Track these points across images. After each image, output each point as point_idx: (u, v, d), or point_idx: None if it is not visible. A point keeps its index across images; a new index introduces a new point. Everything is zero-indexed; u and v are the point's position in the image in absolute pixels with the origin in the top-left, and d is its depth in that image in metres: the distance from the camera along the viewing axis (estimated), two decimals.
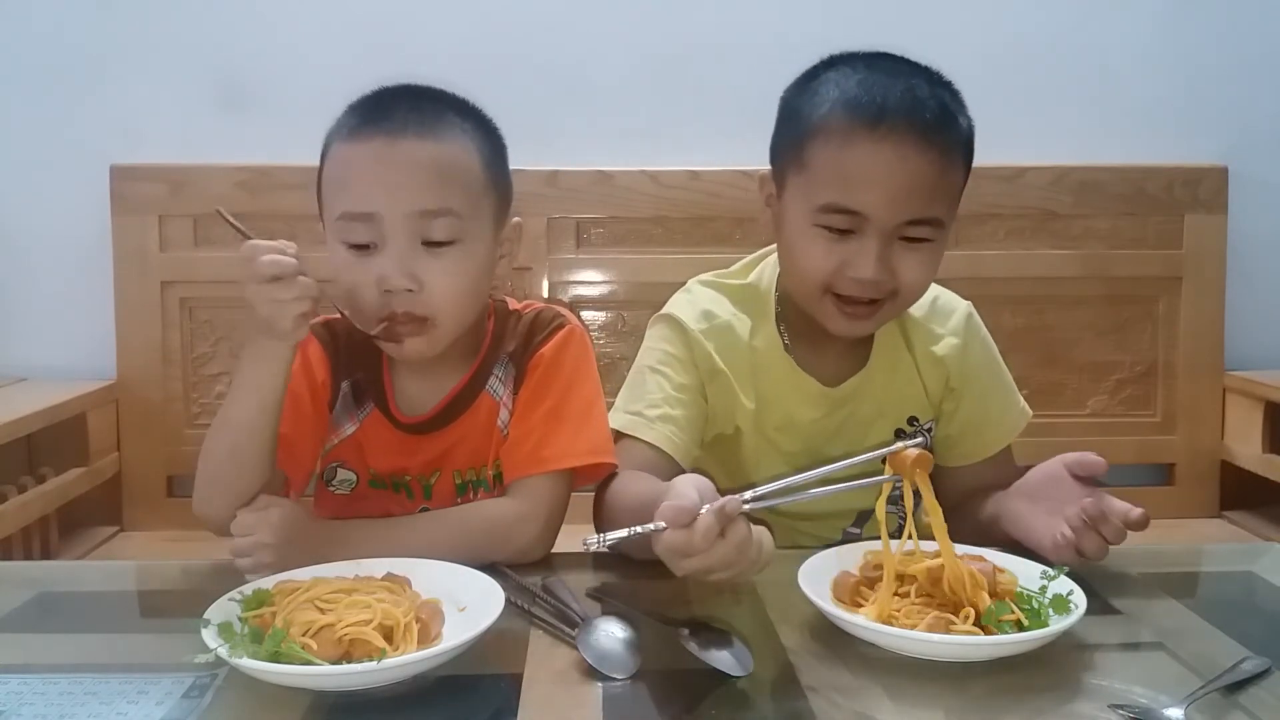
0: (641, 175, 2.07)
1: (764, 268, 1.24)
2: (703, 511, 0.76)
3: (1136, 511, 0.98)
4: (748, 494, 0.81)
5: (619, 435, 1.13)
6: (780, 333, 1.19)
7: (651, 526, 0.78)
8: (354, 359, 1.13)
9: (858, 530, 1.24)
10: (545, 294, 2.07)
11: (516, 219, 1.12)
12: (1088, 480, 1.04)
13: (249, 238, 0.93)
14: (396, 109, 1.03)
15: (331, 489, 1.15)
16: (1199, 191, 2.12)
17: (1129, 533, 0.99)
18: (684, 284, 1.28)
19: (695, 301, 1.22)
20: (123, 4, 2.07)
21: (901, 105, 1.03)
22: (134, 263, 2.03)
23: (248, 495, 0.98)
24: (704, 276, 1.27)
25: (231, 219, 0.96)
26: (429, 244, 1.01)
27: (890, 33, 2.12)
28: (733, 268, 1.28)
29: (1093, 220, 2.12)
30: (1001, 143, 2.14)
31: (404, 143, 1.00)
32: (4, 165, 2.08)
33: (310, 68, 2.08)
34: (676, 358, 1.17)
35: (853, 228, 1.05)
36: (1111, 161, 2.12)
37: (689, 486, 0.80)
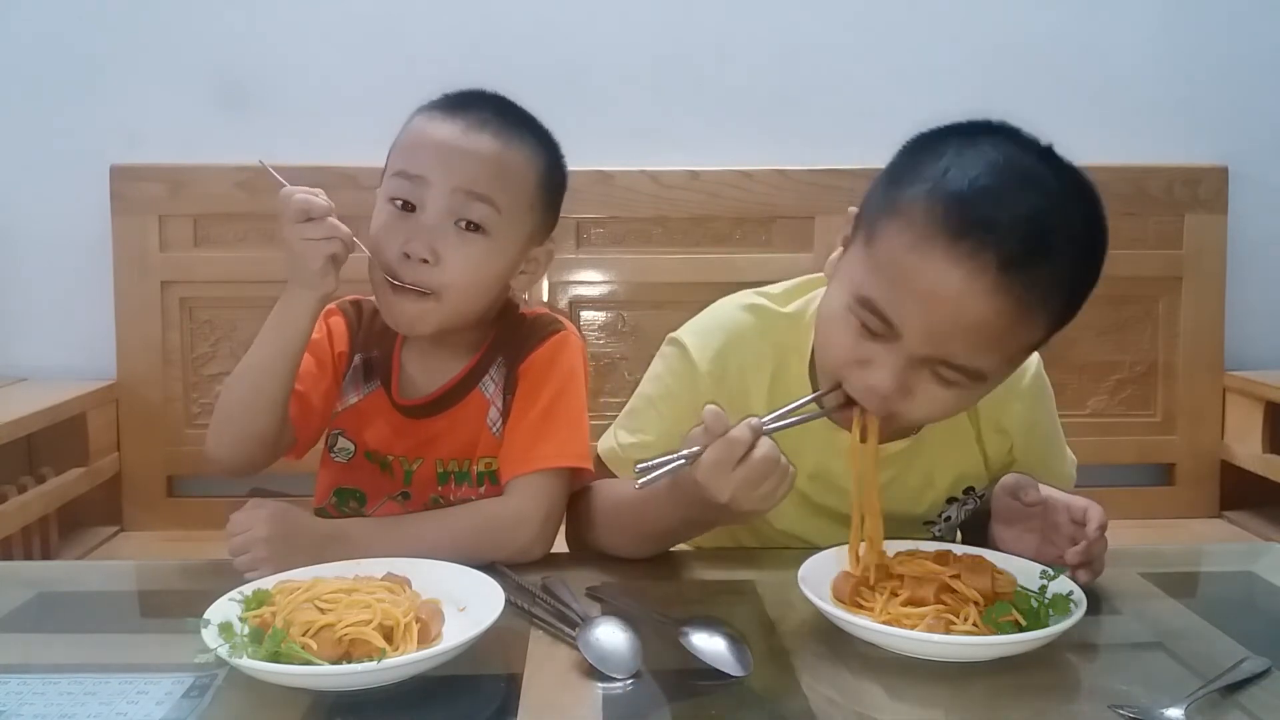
0: (641, 175, 2.07)
1: (809, 300, 1.11)
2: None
3: (1093, 524, 0.94)
4: (765, 416, 0.91)
5: (604, 453, 1.14)
6: (814, 378, 1.07)
7: (696, 449, 0.87)
8: (371, 337, 1.18)
9: None
10: (545, 294, 2.07)
11: (549, 245, 1.15)
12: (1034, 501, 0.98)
13: (285, 185, 1.01)
14: (483, 108, 1.09)
15: (333, 455, 1.19)
16: (1199, 191, 2.12)
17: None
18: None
19: (719, 330, 1.12)
20: (123, 5, 2.07)
21: (997, 227, 0.85)
22: (134, 263, 2.03)
23: (258, 439, 1.06)
24: (752, 298, 1.14)
25: (272, 169, 1.04)
26: (461, 226, 1.05)
27: (891, 33, 2.14)
28: (783, 287, 1.15)
29: None
30: None
31: (478, 134, 1.06)
32: (4, 165, 2.08)
33: (310, 68, 2.08)
34: (676, 396, 1.11)
35: (883, 334, 0.91)
36: (1111, 161, 2.11)
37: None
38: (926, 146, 0.94)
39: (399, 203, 1.06)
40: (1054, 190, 0.88)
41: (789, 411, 0.93)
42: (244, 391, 1.05)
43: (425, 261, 1.04)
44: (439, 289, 1.05)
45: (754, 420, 0.88)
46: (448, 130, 1.06)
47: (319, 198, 1.00)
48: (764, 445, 0.87)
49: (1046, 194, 0.88)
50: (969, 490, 1.15)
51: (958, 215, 0.86)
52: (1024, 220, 0.86)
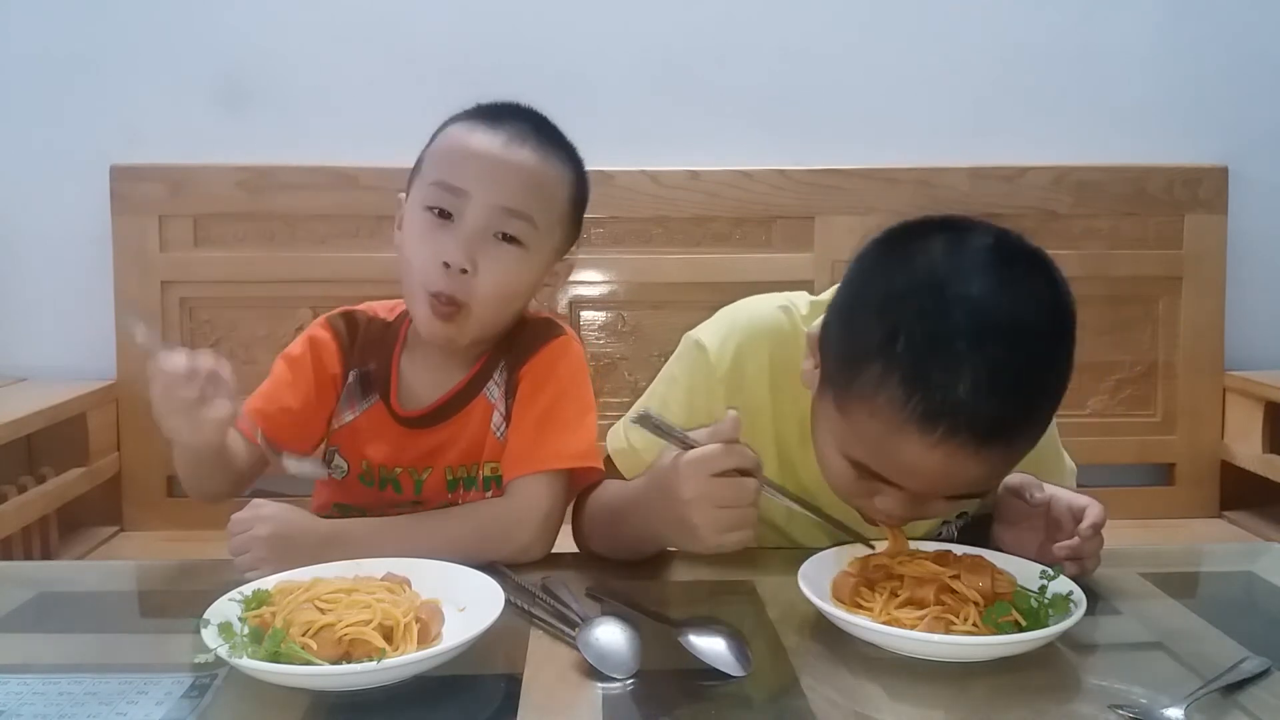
0: (641, 175, 2.07)
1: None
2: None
3: (1086, 520, 0.95)
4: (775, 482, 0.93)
5: (615, 453, 1.13)
6: None
7: (696, 436, 0.89)
8: (367, 350, 1.17)
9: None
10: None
11: (569, 259, 1.16)
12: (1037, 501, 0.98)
13: (157, 351, 0.93)
14: (521, 122, 1.10)
15: (329, 473, 1.18)
16: (1199, 191, 2.12)
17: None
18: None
19: (738, 333, 1.09)
20: (123, 4, 2.07)
21: (965, 407, 0.80)
22: (134, 263, 2.03)
23: (222, 493, 1.11)
24: (784, 301, 1.11)
25: (140, 332, 0.95)
26: (498, 238, 1.06)
27: (892, 34, 2.14)
28: (810, 303, 1.12)
29: (1093, 220, 2.12)
30: (1001, 143, 2.14)
31: (518, 149, 1.07)
32: (4, 165, 2.08)
33: (310, 68, 2.08)
34: (691, 398, 1.10)
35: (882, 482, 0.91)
36: (1111, 161, 2.12)
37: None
38: (871, 292, 0.88)
39: (436, 211, 1.05)
40: (1015, 321, 0.82)
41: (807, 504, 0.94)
42: (186, 475, 1.10)
43: (464, 271, 1.04)
44: (471, 299, 1.06)
45: (760, 465, 0.89)
46: (488, 143, 1.06)
47: (196, 372, 0.92)
48: (752, 481, 0.88)
49: (1008, 334, 0.81)
50: (963, 515, 1.14)
51: (922, 403, 0.81)
52: (992, 388, 0.81)
